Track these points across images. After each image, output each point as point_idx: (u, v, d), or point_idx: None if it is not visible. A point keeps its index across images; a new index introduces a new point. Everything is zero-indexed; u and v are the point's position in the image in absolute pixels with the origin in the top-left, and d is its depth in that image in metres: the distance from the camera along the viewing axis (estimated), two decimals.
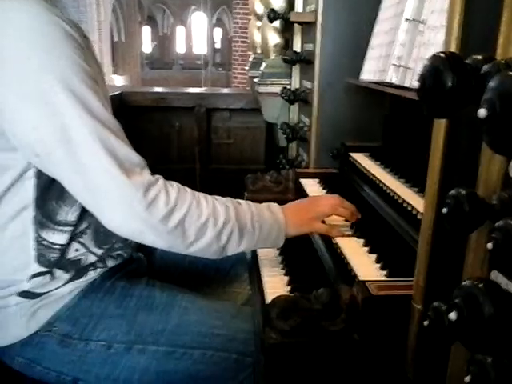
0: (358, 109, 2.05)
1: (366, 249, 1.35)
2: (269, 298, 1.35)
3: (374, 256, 1.30)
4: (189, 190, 1.29)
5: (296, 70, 2.61)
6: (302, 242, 1.59)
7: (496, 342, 0.66)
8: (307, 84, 2.33)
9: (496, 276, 0.76)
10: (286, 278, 1.45)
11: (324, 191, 1.88)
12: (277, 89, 2.70)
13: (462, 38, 0.87)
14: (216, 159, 4.85)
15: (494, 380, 0.62)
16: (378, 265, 1.25)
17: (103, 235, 1.36)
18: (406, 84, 1.45)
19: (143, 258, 1.59)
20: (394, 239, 1.38)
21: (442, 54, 0.60)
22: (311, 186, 1.94)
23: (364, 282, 1.10)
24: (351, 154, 1.98)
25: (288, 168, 2.50)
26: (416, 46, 1.42)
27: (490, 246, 0.59)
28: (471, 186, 0.80)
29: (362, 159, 1.90)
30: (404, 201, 1.40)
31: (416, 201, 1.32)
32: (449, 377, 0.88)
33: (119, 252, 1.42)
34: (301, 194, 1.97)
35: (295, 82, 2.63)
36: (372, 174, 1.70)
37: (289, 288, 1.39)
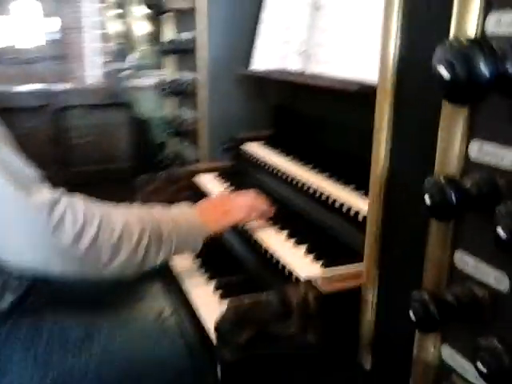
0: (248, 99, 1.99)
1: (292, 240, 1.31)
2: (202, 311, 1.26)
3: (303, 247, 1.26)
4: (94, 201, 1.15)
5: (170, 61, 2.48)
6: (215, 241, 1.50)
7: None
8: (188, 75, 2.22)
9: (461, 256, 0.77)
10: (211, 286, 1.36)
11: (225, 185, 1.80)
12: (150, 81, 2.54)
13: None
14: (75, 161, 4.47)
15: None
16: (310, 256, 1.22)
17: None
18: (310, 70, 1.44)
19: (42, 283, 1.37)
20: (314, 227, 1.37)
21: (470, 41, 0.56)
22: (210, 182, 1.85)
23: (308, 280, 1.06)
24: (246, 144, 1.94)
25: (169, 164, 2.38)
26: (316, 31, 1.40)
27: (501, 232, 0.58)
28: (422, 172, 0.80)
29: (258, 148, 1.87)
30: (314, 188, 1.40)
31: (325, 184, 1.38)
32: (415, 363, 0.88)
33: (16, 282, 1.20)
34: (199, 191, 1.87)
35: (168, 73, 2.50)
36: (271, 162, 1.68)
37: (217, 295, 1.31)
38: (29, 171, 1.06)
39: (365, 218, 1.19)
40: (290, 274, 1.19)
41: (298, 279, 1.15)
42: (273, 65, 1.62)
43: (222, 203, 1.38)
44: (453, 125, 0.73)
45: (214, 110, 1.99)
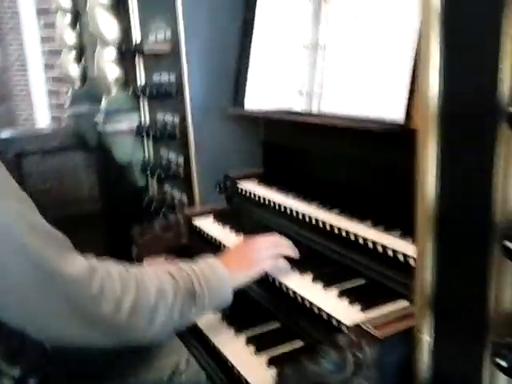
0: (236, 138, 1.99)
1: (320, 284, 1.29)
2: (240, 368, 1.21)
3: (334, 290, 1.24)
4: (125, 265, 1.14)
5: (145, 104, 2.43)
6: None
7: None
8: (168, 118, 2.18)
9: None
10: (242, 340, 1.31)
11: (227, 227, 1.76)
12: (125, 126, 2.48)
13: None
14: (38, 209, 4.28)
15: None
16: (346, 301, 1.20)
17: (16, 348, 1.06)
18: (314, 110, 1.44)
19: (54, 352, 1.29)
20: (339, 268, 1.36)
21: None
22: (210, 226, 1.81)
23: (358, 325, 1.03)
24: (240, 183, 1.91)
25: (158, 209, 2.32)
26: (318, 71, 1.41)
27: None
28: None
29: (254, 187, 1.85)
30: (334, 226, 1.39)
31: (342, 222, 1.38)
32: None
33: (37, 364, 1.12)
34: (201, 235, 1.83)
35: (146, 117, 2.45)
36: (275, 201, 1.67)
37: (252, 349, 1.26)
38: (59, 234, 1.02)
39: (395, 254, 1.21)
40: (329, 319, 1.16)
41: (339, 324, 1.13)
42: (271, 105, 1.61)
43: (247, 253, 1.34)
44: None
45: (203, 151, 1.96)
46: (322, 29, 1.39)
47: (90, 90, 3.49)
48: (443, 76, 0.84)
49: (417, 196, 0.92)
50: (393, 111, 1.14)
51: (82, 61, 3.51)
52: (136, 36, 2.34)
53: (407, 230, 1.26)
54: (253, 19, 1.76)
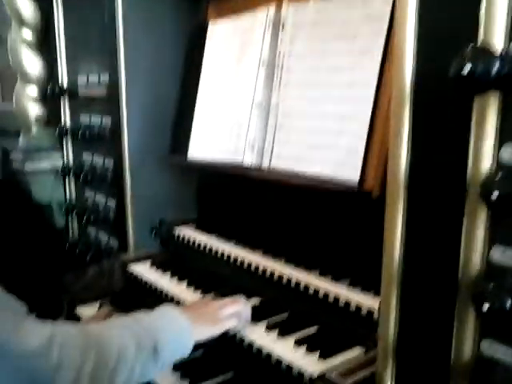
0: (171, 185, 2.00)
1: (274, 332, 1.33)
2: None
3: (290, 340, 1.29)
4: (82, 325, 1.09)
5: (69, 144, 2.35)
6: None
7: None
8: (98, 160, 2.13)
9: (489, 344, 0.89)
10: None
11: (166, 275, 1.75)
12: (46, 165, 2.37)
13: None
14: None
15: None
16: (303, 350, 1.25)
17: None
18: (264, 165, 1.51)
19: None
20: (293, 317, 1.42)
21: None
22: (148, 272, 1.78)
23: (323, 375, 1.09)
24: (176, 228, 1.92)
25: (83, 254, 2.22)
26: (271, 128, 1.49)
27: None
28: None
29: (192, 233, 1.87)
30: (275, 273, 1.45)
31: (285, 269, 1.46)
32: None
33: None
34: (136, 282, 1.79)
35: (69, 158, 2.36)
36: (214, 248, 1.70)
37: None
38: (12, 302, 0.97)
39: (346, 304, 1.30)
40: (288, 369, 1.21)
41: (299, 375, 1.18)
42: (216, 155, 1.66)
43: (212, 310, 1.33)
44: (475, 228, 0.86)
45: (138, 196, 1.95)
46: (275, 90, 1.48)
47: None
48: (411, 150, 0.95)
49: (384, 254, 1.01)
50: (348, 173, 1.25)
51: None
52: (62, 76, 2.28)
53: (355, 280, 1.36)
54: (197, 71, 1.82)
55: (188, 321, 1.24)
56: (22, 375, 0.95)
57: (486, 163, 0.83)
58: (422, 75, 0.91)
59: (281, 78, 1.45)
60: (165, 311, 1.26)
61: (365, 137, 1.20)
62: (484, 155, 0.83)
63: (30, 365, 0.95)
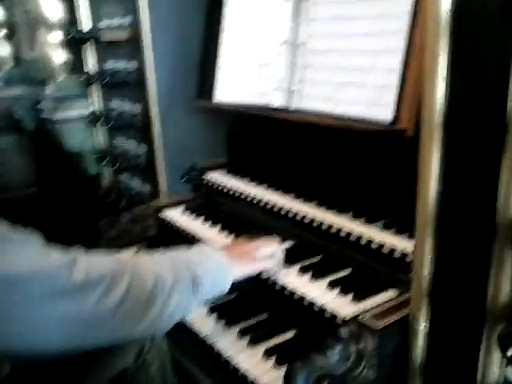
0: (200, 129, 1.97)
1: (307, 277, 1.33)
2: (236, 360, 1.23)
3: (323, 283, 1.30)
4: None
5: (95, 91, 2.33)
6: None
7: None
8: (126, 107, 2.12)
9: None
10: (235, 332, 1.33)
11: (196, 220, 1.76)
12: (75, 113, 2.38)
13: None
14: None
15: None
16: (335, 292, 1.26)
17: None
18: (293, 106, 1.46)
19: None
20: (326, 260, 1.42)
21: None
22: (181, 218, 1.80)
23: (356, 317, 1.09)
24: (208, 173, 1.91)
25: (117, 201, 2.26)
26: (298, 68, 1.43)
27: None
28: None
29: (224, 178, 1.86)
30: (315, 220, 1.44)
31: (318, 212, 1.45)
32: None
33: None
34: (169, 228, 1.81)
35: (99, 105, 2.36)
36: (246, 193, 1.69)
37: (246, 342, 1.29)
38: (29, 236, 0.94)
39: (380, 246, 1.28)
40: (321, 311, 1.21)
41: (332, 316, 1.19)
42: (244, 98, 1.62)
43: (248, 250, 1.33)
44: None
45: (168, 142, 1.94)
46: (302, 26, 1.40)
47: (25, 72, 3.28)
48: (449, 85, 0.89)
49: (418, 195, 0.98)
50: (380, 112, 1.19)
51: (14, 40, 3.28)
52: (85, 20, 2.23)
53: (388, 223, 1.34)
54: (220, 10, 1.74)
55: (226, 258, 1.23)
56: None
57: None
58: (461, 2, 0.83)
59: (308, 12, 1.37)
60: (203, 248, 1.26)
61: (398, 72, 1.13)
62: None
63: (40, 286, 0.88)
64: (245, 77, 1.61)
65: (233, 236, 1.60)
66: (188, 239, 1.69)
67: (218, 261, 1.21)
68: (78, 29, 2.22)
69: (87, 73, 2.21)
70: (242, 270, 1.27)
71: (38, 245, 0.95)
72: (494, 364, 0.93)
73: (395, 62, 1.14)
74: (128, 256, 1.12)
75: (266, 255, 1.33)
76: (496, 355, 0.91)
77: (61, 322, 0.92)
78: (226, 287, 1.22)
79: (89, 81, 2.22)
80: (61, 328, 0.93)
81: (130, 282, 1.00)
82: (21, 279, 0.86)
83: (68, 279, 0.91)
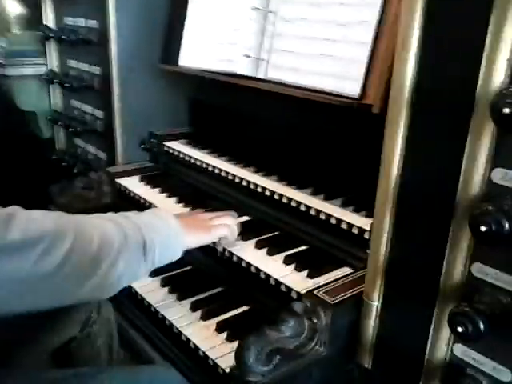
0: (161, 95, 1.90)
1: (264, 251, 1.32)
2: (188, 334, 1.21)
3: (279, 258, 1.28)
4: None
5: (53, 48, 2.22)
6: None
7: None
8: (84, 67, 2.02)
9: (479, 268, 0.87)
10: (187, 305, 1.30)
11: (154, 190, 1.71)
12: (30, 70, 2.25)
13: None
14: None
15: None
16: (291, 266, 1.25)
17: None
18: (260, 75, 1.42)
19: None
20: (274, 231, 1.40)
21: None
22: (137, 187, 1.74)
23: (311, 292, 1.09)
24: (167, 142, 1.86)
25: (71, 165, 2.17)
26: (267, 36, 1.39)
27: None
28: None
29: (184, 148, 1.81)
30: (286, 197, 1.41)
31: (277, 187, 1.43)
32: (428, 361, 0.98)
33: None
34: (124, 195, 1.76)
35: (53, 62, 2.24)
36: (206, 163, 1.66)
37: (198, 316, 1.27)
38: None
39: (338, 222, 1.27)
40: (277, 285, 1.20)
41: (288, 290, 1.18)
42: (209, 64, 1.56)
43: (204, 219, 1.30)
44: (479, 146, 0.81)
45: (128, 107, 1.86)
46: None
47: None
48: (420, 62, 0.87)
49: (381, 172, 0.97)
50: (348, 86, 1.17)
51: None
52: None
53: (349, 200, 1.33)
54: None
55: (179, 225, 1.16)
56: None
57: (498, 79, 0.77)
58: None
59: None
60: (157, 212, 1.20)
61: (369, 45, 1.11)
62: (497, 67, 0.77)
63: None
64: (212, 42, 1.55)
65: (190, 207, 1.55)
66: (144, 208, 1.63)
67: (172, 226, 1.14)
68: None
69: (46, 27, 2.08)
70: (197, 238, 1.23)
71: None
72: (442, 341, 0.94)
73: (367, 35, 1.12)
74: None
75: (221, 225, 1.29)
76: (445, 332, 0.92)
77: None
78: (178, 254, 1.16)
79: (45, 37, 2.10)
80: None
81: (73, 241, 0.93)
82: None
83: (4, 237, 0.84)
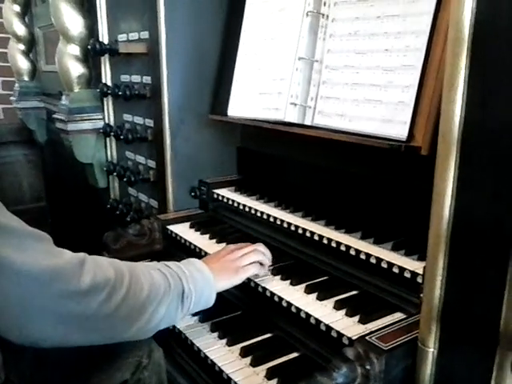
0: (210, 145, 1.97)
1: (313, 296, 1.30)
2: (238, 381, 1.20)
3: (329, 303, 1.26)
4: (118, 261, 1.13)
5: (110, 104, 2.35)
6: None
7: None
8: (138, 120, 2.13)
9: None
10: (237, 351, 1.30)
11: (204, 236, 1.74)
12: (88, 125, 2.39)
13: None
14: None
15: None
16: (342, 311, 1.22)
17: None
18: (307, 122, 1.46)
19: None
20: (323, 276, 1.39)
21: None
22: (188, 233, 1.78)
23: (363, 338, 1.06)
24: (216, 189, 1.90)
25: (125, 214, 2.25)
26: (314, 84, 1.43)
27: None
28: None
29: (232, 195, 1.84)
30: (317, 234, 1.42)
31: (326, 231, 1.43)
32: None
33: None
34: (175, 242, 1.79)
35: (109, 117, 2.37)
36: (254, 209, 1.68)
37: (248, 361, 1.25)
38: (37, 231, 0.97)
39: (389, 267, 1.25)
40: (328, 330, 1.18)
41: (339, 336, 1.15)
42: (257, 114, 1.61)
43: (231, 259, 1.35)
44: None
45: (179, 156, 1.93)
46: (319, 42, 1.41)
47: (40, 84, 3.33)
48: (467, 103, 0.88)
49: (432, 213, 0.96)
50: (395, 129, 1.18)
51: (32, 53, 3.34)
52: (103, 34, 2.27)
53: (399, 244, 1.31)
54: (238, 25, 1.75)
55: (211, 272, 1.26)
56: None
57: None
58: (484, 16, 0.83)
59: (326, 28, 1.38)
60: (191, 261, 1.29)
61: (415, 90, 1.12)
62: None
63: (60, 285, 0.94)
64: (259, 92, 1.61)
65: None
66: (194, 254, 1.66)
67: (206, 275, 1.25)
68: (96, 41, 2.24)
69: (104, 84, 2.22)
70: (228, 282, 1.32)
71: (51, 242, 0.99)
72: None
73: (412, 78, 1.13)
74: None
75: (250, 265, 1.35)
76: (509, 381, 0.87)
77: (59, 319, 0.96)
78: (212, 301, 1.27)
79: (103, 93, 2.24)
80: (58, 324, 0.97)
81: (128, 288, 1.05)
82: (42, 275, 0.91)
83: (79, 281, 0.96)
